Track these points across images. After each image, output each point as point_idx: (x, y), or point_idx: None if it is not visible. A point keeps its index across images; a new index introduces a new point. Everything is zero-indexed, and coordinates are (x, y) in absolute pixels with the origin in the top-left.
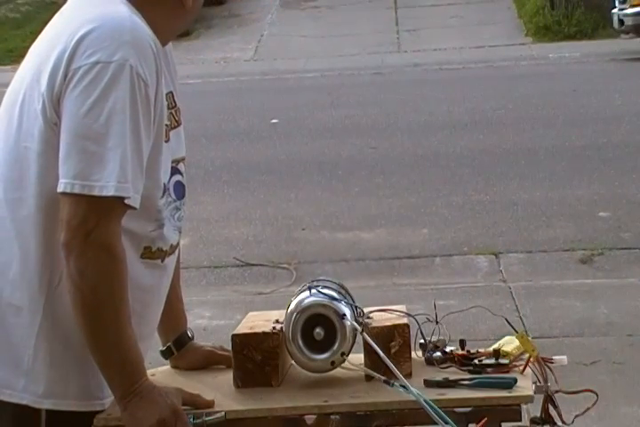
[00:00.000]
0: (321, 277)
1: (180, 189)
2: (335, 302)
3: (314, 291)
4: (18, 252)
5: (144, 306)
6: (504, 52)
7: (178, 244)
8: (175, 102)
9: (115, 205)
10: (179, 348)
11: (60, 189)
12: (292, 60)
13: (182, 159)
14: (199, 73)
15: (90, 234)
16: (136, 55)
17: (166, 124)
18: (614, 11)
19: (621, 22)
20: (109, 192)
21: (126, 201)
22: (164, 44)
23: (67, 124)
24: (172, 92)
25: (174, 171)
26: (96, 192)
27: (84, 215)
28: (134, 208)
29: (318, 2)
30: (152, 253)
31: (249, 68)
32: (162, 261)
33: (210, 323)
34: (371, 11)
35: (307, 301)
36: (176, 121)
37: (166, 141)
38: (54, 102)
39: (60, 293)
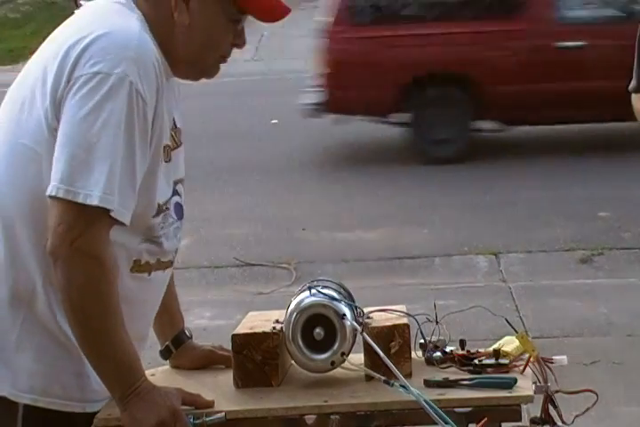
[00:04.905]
0: (321, 278)
1: (179, 210)
2: (335, 302)
3: (314, 291)
4: (3, 246)
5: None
6: None
7: (170, 262)
8: (176, 124)
9: (100, 216)
10: (177, 346)
11: (47, 191)
12: (291, 60)
13: (181, 180)
14: None
15: (75, 241)
16: (137, 72)
17: (167, 145)
18: None
19: None
20: (93, 201)
21: (112, 214)
22: (175, 65)
23: (62, 129)
24: (173, 114)
25: (173, 192)
26: (80, 199)
27: (70, 222)
28: (122, 224)
29: (318, 2)
30: (140, 267)
31: (249, 68)
32: (148, 275)
33: (210, 323)
34: None
35: (307, 301)
36: (176, 142)
37: (167, 161)
38: (56, 107)
39: (45, 291)
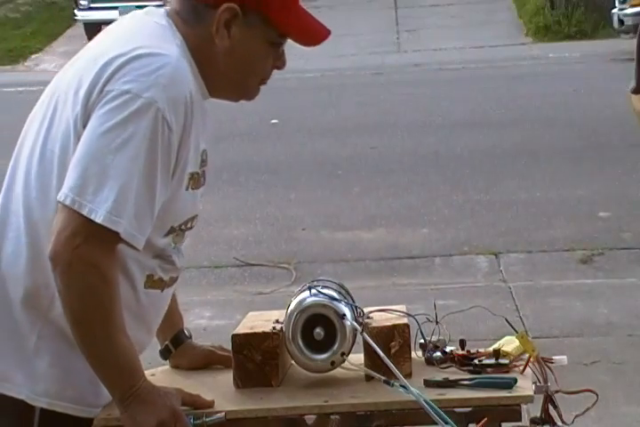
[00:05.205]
0: (321, 278)
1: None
2: (335, 302)
3: (314, 291)
4: (26, 249)
5: (130, 329)
6: (504, 52)
7: (177, 278)
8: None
9: (104, 232)
10: (176, 346)
11: (57, 196)
12: (292, 60)
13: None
14: None
15: (77, 248)
16: (166, 99)
17: (196, 173)
18: (614, 11)
19: (621, 22)
20: (97, 218)
21: (121, 236)
22: (214, 87)
23: (83, 139)
24: (205, 150)
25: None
26: (85, 212)
27: (74, 230)
28: (133, 247)
29: (318, 2)
30: (154, 282)
31: None
32: (161, 291)
33: (210, 323)
34: (371, 11)
35: (307, 301)
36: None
37: (195, 188)
38: (86, 115)
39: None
